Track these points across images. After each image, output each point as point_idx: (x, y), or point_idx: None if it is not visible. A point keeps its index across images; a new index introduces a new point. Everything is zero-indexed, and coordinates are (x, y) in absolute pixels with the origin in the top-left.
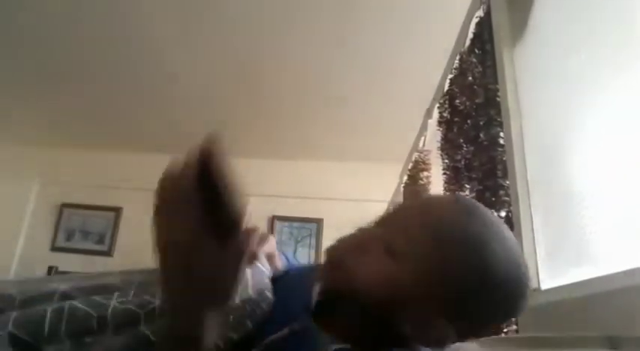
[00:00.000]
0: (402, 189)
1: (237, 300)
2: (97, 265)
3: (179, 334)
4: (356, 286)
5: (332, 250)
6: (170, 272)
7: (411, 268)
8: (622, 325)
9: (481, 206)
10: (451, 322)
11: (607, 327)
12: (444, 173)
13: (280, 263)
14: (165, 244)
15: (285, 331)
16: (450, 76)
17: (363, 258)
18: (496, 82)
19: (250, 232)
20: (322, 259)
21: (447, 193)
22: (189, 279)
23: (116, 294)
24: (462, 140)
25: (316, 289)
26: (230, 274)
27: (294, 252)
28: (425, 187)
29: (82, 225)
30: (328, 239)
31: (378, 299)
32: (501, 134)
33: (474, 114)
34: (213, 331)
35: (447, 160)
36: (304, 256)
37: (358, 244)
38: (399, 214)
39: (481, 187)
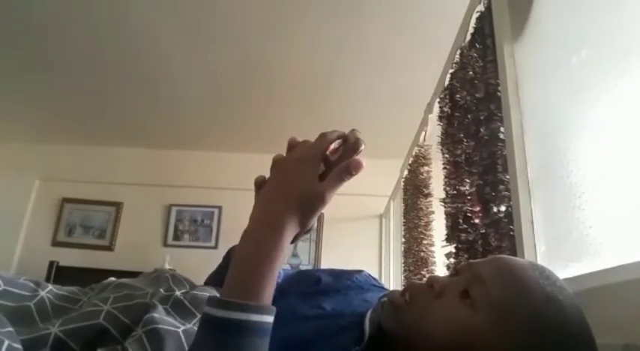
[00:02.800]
0: (402, 184)
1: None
2: (98, 259)
3: (269, 219)
4: (429, 329)
5: (411, 287)
6: (284, 179)
7: (486, 314)
8: (625, 319)
9: (549, 270)
10: None
11: (610, 321)
12: (444, 168)
13: None
14: (292, 163)
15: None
16: (451, 70)
17: (436, 301)
18: (497, 76)
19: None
20: (387, 296)
21: (508, 253)
22: (294, 187)
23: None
24: (462, 135)
25: (368, 324)
26: (318, 204)
27: (295, 246)
28: (425, 182)
29: (83, 220)
30: (328, 233)
31: (446, 343)
32: (502, 129)
33: (475, 109)
34: (290, 237)
35: (447, 155)
36: (304, 251)
37: (433, 290)
38: (474, 266)
39: (481, 182)
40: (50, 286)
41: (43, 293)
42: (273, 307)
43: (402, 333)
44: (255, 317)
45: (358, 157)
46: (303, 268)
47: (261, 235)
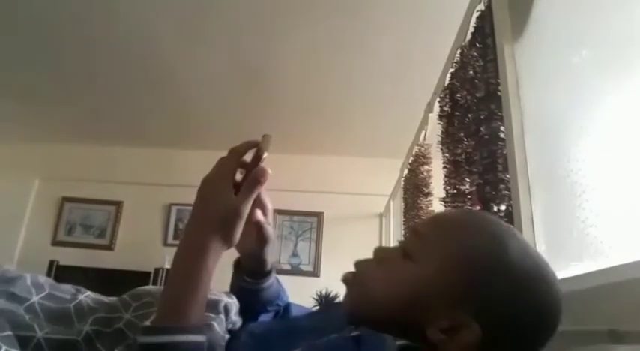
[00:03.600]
0: (402, 183)
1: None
2: (98, 259)
3: (190, 242)
4: (376, 294)
5: (348, 272)
6: (202, 202)
7: (423, 261)
8: (625, 318)
9: (490, 215)
10: (479, 323)
11: (610, 319)
12: (445, 167)
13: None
14: (207, 185)
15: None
16: (451, 69)
17: (381, 267)
18: (497, 76)
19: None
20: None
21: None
22: (210, 208)
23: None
24: (462, 134)
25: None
26: (235, 219)
27: (295, 246)
28: (425, 181)
29: (83, 219)
30: (328, 233)
31: (401, 303)
32: (502, 128)
33: (475, 108)
34: (215, 255)
35: (447, 154)
36: (304, 250)
37: (375, 258)
38: (412, 227)
39: (481, 181)
40: (88, 292)
41: (82, 297)
42: (202, 325)
43: (357, 309)
44: (178, 338)
45: (263, 164)
46: (303, 267)
47: (185, 259)
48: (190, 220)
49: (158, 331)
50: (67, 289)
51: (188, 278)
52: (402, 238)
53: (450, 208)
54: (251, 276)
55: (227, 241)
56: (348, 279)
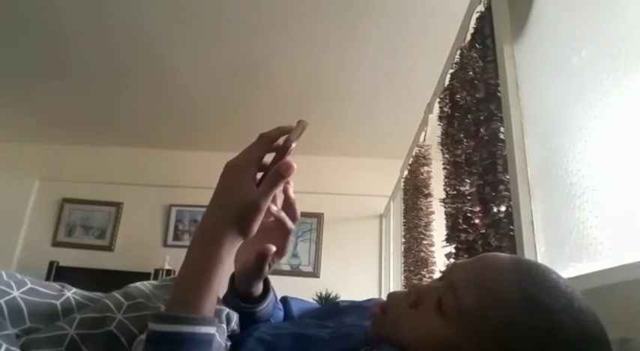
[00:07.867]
0: (402, 184)
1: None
2: (98, 260)
3: (206, 232)
4: (401, 337)
5: (390, 296)
6: (221, 190)
7: (457, 326)
8: (626, 319)
9: (542, 267)
10: None
11: (610, 321)
12: (445, 168)
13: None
14: (229, 171)
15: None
16: (451, 70)
17: (411, 311)
18: (497, 77)
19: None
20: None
21: (508, 253)
22: (228, 197)
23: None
24: (462, 135)
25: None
26: (253, 213)
27: (295, 246)
28: (425, 182)
29: (83, 220)
30: (328, 234)
31: None
32: (502, 129)
33: (475, 109)
34: (230, 247)
35: (447, 155)
36: (304, 251)
37: (410, 297)
38: (454, 270)
39: (481, 182)
40: (74, 289)
41: (69, 294)
42: (213, 317)
43: (385, 341)
44: (188, 328)
45: (289, 157)
46: (303, 268)
47: (200, 248)
48: (209, 206)
49: (172, 319)
50: (50, 285)
51: (202, 269)
52: (443, 273)
53: (487, 252)
54: (246, 301)
55: (244, 234)
56: (374, 311)
